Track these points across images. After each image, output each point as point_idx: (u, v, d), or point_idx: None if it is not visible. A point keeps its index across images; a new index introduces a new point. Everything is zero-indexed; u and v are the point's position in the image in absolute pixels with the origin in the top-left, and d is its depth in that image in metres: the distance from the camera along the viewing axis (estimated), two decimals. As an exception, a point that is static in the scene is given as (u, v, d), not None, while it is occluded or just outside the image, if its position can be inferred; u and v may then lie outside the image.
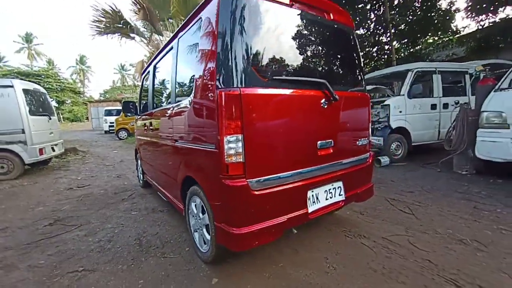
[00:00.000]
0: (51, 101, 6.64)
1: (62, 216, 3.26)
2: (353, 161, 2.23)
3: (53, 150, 6.07)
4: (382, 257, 2.02)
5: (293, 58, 1.85)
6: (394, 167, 4.97)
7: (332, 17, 2.10)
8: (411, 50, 10.64)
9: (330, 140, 2.00)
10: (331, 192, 2.06)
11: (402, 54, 10.47)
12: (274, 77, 1.68)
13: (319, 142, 1.92)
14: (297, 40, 1.89)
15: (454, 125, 4.35)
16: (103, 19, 13.94)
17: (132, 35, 16.76)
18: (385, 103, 5.17)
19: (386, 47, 10.01)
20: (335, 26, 2.14)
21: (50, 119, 6.03)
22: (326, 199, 2.03)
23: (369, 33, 9.37)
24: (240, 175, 1.57)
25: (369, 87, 5.79)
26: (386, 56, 9.82)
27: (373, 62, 10.36)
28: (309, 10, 1.95)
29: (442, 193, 3.38)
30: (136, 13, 15.02)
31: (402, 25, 9.80)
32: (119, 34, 16.19)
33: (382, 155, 5.21)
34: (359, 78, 2.35)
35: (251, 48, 1.60)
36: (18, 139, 5.15)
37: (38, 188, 4.68)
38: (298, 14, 1.89)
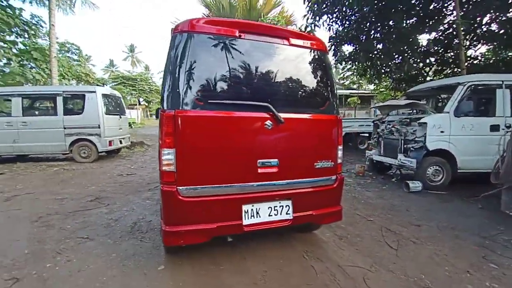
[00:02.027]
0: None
1: (102, 195, 4.21)
2: (308, 182, 2.24)
3: (120, 143, 7.64)
4: (320, 284, 1.99)
5: (237, 83, 2.03)
6: (426, 195, 4.32)
7: (290, 42, 2.17)
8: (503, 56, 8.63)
9: (275, 160, 2.09)
10: (276, 210, 2.14)
11: (490, 61, 8.60)
12: (209, 101, 1.92)
13: (259, 160, 2.05)
14: (244, 67, 2.06)
15: (504, 153, 3.53)
16: None
17: None
18: (422, 120, 4.54)
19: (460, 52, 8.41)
20: (294, 50, 2.21)
21: (120, 117, 7.63)
22: (270, 215, 2.12)
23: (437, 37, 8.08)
24: (172, 182, 1.87)
25: (403, 102, 5.16)
26: (453, 66, 8.27)
27: (439, 71, 8.88)
28: (261, 38, 2.10)
29: (456, 234, 2.86)
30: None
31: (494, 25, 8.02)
32: None
33: (415, 179, 4.59)
34: (325, 100, 2.33)
35: (189, 77, 1.88)
36: (95, 132, 6.74)
37: (100, 171, 6.05)
38: (248, 43, 2.06)
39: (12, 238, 2.69)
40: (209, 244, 2.12)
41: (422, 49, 8.15)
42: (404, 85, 9.17)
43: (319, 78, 2.32)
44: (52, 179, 5.34)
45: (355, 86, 16.04)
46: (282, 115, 2.08)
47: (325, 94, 2.34)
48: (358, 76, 10.00)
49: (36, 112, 7.13)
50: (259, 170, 2.05)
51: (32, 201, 3.92)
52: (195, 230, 1.93)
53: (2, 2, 12.84)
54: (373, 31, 7.66)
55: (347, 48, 8.00)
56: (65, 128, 6.67)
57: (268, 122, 2.04)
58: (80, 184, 4.87)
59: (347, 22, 7.33)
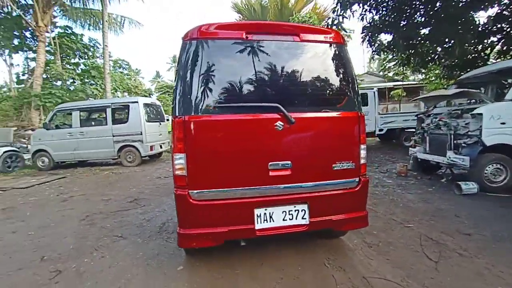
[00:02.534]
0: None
1: (140, 197, 4.57)
2: (325, 185, 2.08)
3: (161, 147, 8.25)
4: (338, 296, 1.83)
5: (246, 85, 1.99)
6: (482, 198, 3.70)
7: (300, 38, 2.05)
8: None
9: (287, 162, 1.99)
10: (291, 214, 2.04)
11: None
12: (218, 105, 1.92)
13: (270, 163, 1.97)
14: (253, 68, 2.01)
15: None
16: None
17: None
18: (476, 111, 3.90)
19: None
20: (306, 46, 2.08)
21: (160, 124, 8.24)
22: (284, 219, 2.03)
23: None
24: (184, 186, 1.92)
25: (451, 91, 4.49)
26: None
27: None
28: (269, 37, 2.02)
29: (518, 246, 2.37)
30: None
31: None
32: None
33: (469, 180, 3.97)
34: (343, 97, 2.14)
35: (197, 82, 1.91)
36: (138, 139, 7.39)
37: (141, 174, 6.59)
38: (256, 44, 2.00)
39: (62, 235, 3.07)
40: (227, 247, 2.15)
41: (479, 29, 7.04)
42: (458, 72, 8.04)
43: (335, 73, 2.15)
44: (103, 182, 6.00)
45: (399, 77, 14.64)
46: (294, 115, 1.97)
47: (343, 89, 2.16)
48: (401, 66, 9.07)
49: (91, 123, 8.11)
50: (271, 173, 1.98)
51: (84, 201, 4.45)
52: (207, 234, 1.94)
53: (67, 30, 15.01)
54: (415, 15, 6.89)
55: (385, 37, 7.35)
56: (113, 136, 7.45)
57: (279, 123, 1.95)
58: (124, 187, 5.38)
59: (383, 9, 6.72)
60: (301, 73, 2.09)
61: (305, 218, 2.05)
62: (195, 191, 1.92)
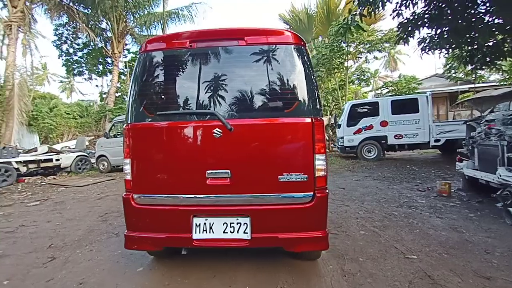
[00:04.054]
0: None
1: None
2: (269, 198, 1.90)
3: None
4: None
5: (187, 93, 2.01)
6: (544, 233, 2.74)
7: (247, 42, 1.97)
8: None
9: (226, 171, 1.90)
10: (232, 226, 1.93)
11: None
12: (158, 112, 1.99)
13: (208, 171, 1.91)
14: (195, 76, 2.02)
15: None
16: None
17: None
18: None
19: None
20: (253, 49, 1.98)
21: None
22: (225, 232, 1.93)
23: None
24: (129, 189, 2.03)
25: (501, 90, 3.49)
26: None
27: None
28: (213, 44, 2.01)
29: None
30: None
31: None
32: None
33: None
34: (293, 101, 1.93)
35: (142, 92, 2.04)
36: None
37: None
38: (199, 52, 2.02)
39: (78, 227, 3.57)
40: (195, 252, 2.13)
41: None
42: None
43: (285, 76, 1.96)
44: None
45: (472, 78, 12.22)
46: (234, 122, 1.89)
47: (293, 94, 1.95)
48: (463, 64, 7.58)
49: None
50: (208, 182, 1.92)
51: (112, 200, 5.08)
52: (147, 238, 1.99)
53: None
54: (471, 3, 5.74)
55: (428, 32, 6.27)
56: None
57: (217, 130, 1.89)
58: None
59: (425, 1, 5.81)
60: (246, 78, 2.00)
61: (247, 233, 1.90)
62: (137, 195, 2.00)
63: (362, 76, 16.24)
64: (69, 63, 16.19)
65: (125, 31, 14.74)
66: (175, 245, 2.02)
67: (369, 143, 9.14)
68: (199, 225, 1.94)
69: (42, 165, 7.81)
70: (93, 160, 9.38)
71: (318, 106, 1.99)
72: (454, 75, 12.60)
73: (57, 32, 15.46)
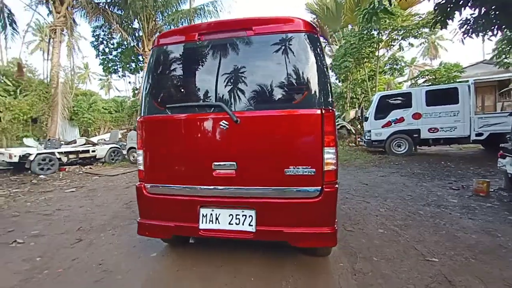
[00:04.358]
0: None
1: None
2: (275, 191, 1.86)
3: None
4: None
5: (196, 86, 2.04)
6: None
7: (254, 32, 1.91)
8: None
9: (232, 163, 1.89)
10: (238, 218, 1.93)
11: None
12: (167, 105, 2.03)
13: (215, 163, 1.92)
14: (203, 68, 2.03)
15: None
16: None
17: None
18: None
19: None
20: (261, 39, 1.92)
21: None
22: (230, 223, 1.94)
23: None
24: (142, 179, 2.13)
25: None
26: None
27: None
28: (221, 36, 1.98)
29: None
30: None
31: None
32: None
33: None
34: (301, 92, 1.84)
35: (153, 86, 2.10)
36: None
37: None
38: (208, 44, 2.01)
39: (105, 213, 3.85)
40: (205, 242, 2.19)
41: None
42: None
43: (294, 66, 1.88)
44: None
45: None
46: (241, 114, 1.87)
47: (302, 84, 1.86)
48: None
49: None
50: (215, 173, 1.93)
51: (138, 190, 5.39)
52: (157, 226, 2.08)
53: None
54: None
55: (469, 13, 5.57)
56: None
57: (223, 122, 1.89)
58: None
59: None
60: (254, 69, 1.95)
61: (252, 225, 1.89)
62: (149, 185, 2.09)
63: (395, 66, 15.11)
64: (105, 62, 17.35)
65: (155, 29, 15.34)
66: (183, 233, 2.08)
67: (399, 137, 8.55)
68: (206, 215, 1.97)
69: (80, 155, 8.55)
70: (124, 152, 10.04)
71: (329, 97, 1.89)
72: (505, 60, 11.15)
73: (95, 34, 16.60)
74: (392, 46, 15.06)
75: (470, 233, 2.66)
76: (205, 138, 1.97)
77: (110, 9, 15.01)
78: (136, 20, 15.69)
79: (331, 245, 1.89)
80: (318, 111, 1.80)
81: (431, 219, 3.10)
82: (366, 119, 9.22)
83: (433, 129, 8.17)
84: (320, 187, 1.81)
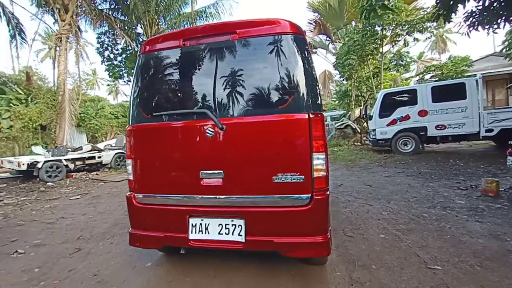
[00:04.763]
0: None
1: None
2: (264, 200, 1.81)
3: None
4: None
5: (181, 93, 2.00)
6: None
7: (239, 36, 1.87)
8: None
9: (219, 171, 1.86)
10: (227, 228, 1.89)
11: None
12: (154, 113, 2.01)
13: (202, 171, 1.89)
14: (188, 75, 2.00)
15: None
16: None
17: (314, 50, 18.94)
18: None
19: None
20: (246, 43, 1.87)
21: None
22: (220, 233, 1.90)
23: None
24: (131, 189, 2.11)
25: None
26: None
27: None
28: (205, 41, 1.95)
29: None
30: (311, 31, 16.88)
31: None
32: None
33: None
34: (288, 96, 1.79)
35: (139, 93, 2.08)
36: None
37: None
38: (192, 50, 1.98)
39: (106, 221, 3.87)
40: (202, 251, 2.15)
41: None
42: None
43: (281, 69, 1.82)
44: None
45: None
46: (226, 121, 1.83)
47: (289, 88, 1.80)
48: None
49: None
50: (202, 182, 1.90)
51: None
52: (148, 236, 2.05)
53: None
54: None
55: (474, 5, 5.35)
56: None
57: (209, 130, 1.85)
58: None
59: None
60: (239, 73, 1.90)
61: (241, 235, 1.84)
62: (138, 195, 2.07)
63: (400, 62, 14.78)
64: (111, 68, 17.59)
65: (158, 34, 15.49)
66: (173, 244, 2.05)
67: (405, 135, 8.34)
68: (195, 225, 1.93)
69: (87, 162, 8.69)
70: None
71: (317, 101, 1.83)
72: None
73: (99, 40, 16.86)
74: (397, 42, 14.76)
75: (477, 238, 2.54)
76: (191, 146, 1.94)
77: (114, 15, 15.25)
78: (139, 25, 15.91)
79: (323, 254, 1.82)
80: (305, 116, 1.74)
81: (435, 223, 2.98)
82: (371, 117, 9.04)
83: (440, 126, 7.94)
84: (310, 195, 1.75)
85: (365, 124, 13.27)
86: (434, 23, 11.84)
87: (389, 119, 8.52)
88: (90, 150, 9.29)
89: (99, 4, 15.08)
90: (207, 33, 1.97)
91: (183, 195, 1.95)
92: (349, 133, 12.04)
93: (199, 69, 1.98)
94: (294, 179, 1.76)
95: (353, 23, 16.91)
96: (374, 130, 8.83)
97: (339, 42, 17.43)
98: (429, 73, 14.69)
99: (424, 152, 8.60)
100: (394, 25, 12.59)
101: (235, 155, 1.86)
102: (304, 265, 2.24)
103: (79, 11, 13.68)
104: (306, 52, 1.86)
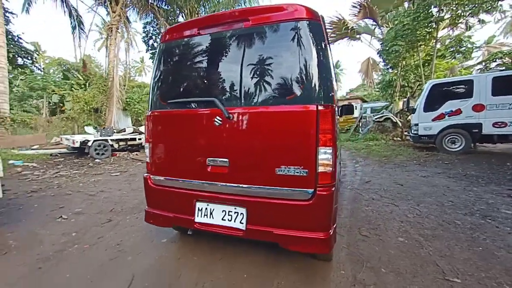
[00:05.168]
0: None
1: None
2: (265, 190, 1.80)
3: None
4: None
5: (195, 81, 2.05)
6: None
7: (252, 23, 1.82)
8: None
9: (224, 159, 1.89)
10: (230, 215, 1.94)
11: None
12: (169, 101, 2.10)
13: (209, 158, 1.94)
14: (201, 63, 2.03)
15: None
16: (330, 30, 16.35)
17: (357, 36, 17.77)
18: None
19: None
20: (258, 30, 1.82)
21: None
22: (223, 219, 1.96)
23: None
24: (148, 170, 2.27)
25: None
26: None
27: None
28: (219, 29, 1.94)
29: None
30: (355, 15, 15.72)
31: None
32: (347, 38, 17.99)
33: None
34: (296, 87, 1.71)
35: (157, 81, 2.18)
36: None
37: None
38: (207, 38, 1.99)
39: (136, 197, 4.25)
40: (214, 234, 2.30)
41: None
42: None
43: (292, 58, 1.75)
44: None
45: None
46: (233, 110, 1.85)
47: (298, 78, 1.73)
48: None
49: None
50: (209, 169, 1.96)
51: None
52: (160, 215, 2.21)
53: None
54: None
55: None
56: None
57: (217, 118, 1.89)
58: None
59: None
60: (251, 62, 1.88)
61: (243, 223, 1.88)
62: (153, 176, 2.22)
63: (459, 48, 12.95)
64: (155, 56, 18.75)
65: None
66: (180, 224, 2.18)
67: (454, 132, 7.42)
68: (201, 209, 2.02)
69: (129, 143, 9.55)
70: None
71: (330, 92, 1.72)
72: None
73: (145, 30, 17.96)
74: (457, 25, 12.90)
75: (516, 253, 2.21)
76: (201, 133, 1.99)
77: (157, 5, 16.02)
78: (181, 14, 16.49)
79: (323, 252, 1.77)
80: (313, 107, 1.66)
81: (468, 232, 2.66)
82: (413, 110, 8.21)
83: (499, 123, 6.87)
84: (312, 189, 1.70)
85: (409, 116, 12.14)
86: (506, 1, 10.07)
87: (436, 113, 7.64)
88: (132, 132, 10.16)
89: (146, -6, 15.94)
90: (221, 21, 1.96)
91: (191, 180, 2.04)
92: (388, 126, 11.14)
93: (212, 58, 2.00)
94: (297, 172, 1.71)
95: (406, 4, 15.21)
96: (416, 124, 8.02)
97: (387, 27, 15.91)
98: (495, 61, 12.68)
99: (476, 152, 7.59)
100: (455, 5, 10.99)
101: (240, 145, 1.87)
102: (309, 259, 2.20)
103: (127, 2, 14.64)
104: (321, 40, 1.74)
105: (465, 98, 7.29)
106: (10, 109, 11.23)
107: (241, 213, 1.88)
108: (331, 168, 1.69)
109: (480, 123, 7.09)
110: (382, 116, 11.57)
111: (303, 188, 1.71)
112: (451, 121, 7.43)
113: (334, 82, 1.84)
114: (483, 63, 13.91)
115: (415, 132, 8.12)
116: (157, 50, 2.24)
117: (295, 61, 1.73)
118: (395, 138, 10.67)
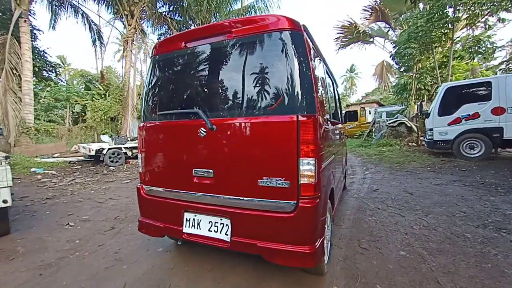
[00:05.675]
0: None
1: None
2: (248, 202, 1.78)
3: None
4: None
5: (181, 93, 2.09)
6: None
7: (233, 35, 1.84)
8: None
9: (209, 170, 1.90)
10: (216, 226, 1.94)
11: None
12: (157, 112, 2.15)
13: (194, 169, 1.96)
14: (186, 76, 2.07)
15: None
16: (342, 34, 16.21)
17: (370, 39, 17.50)
18: None
19: None
20: (241, 41, 1.84)
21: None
22: (209, 230, 1.96)
23: None
24: (141, 180, 2.32)
25: None
26: None
27: None
28: (203, 42, 1.98)
29: None
30: (367, 18, 15.51)
31: None
32: (360, 42, 17.75)
33: None
34: (276, 97, 1.70)
35: (148, 93, 2.25)
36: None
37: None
38: (192, 51, 2.04)
39: (141, 205, 4.35)
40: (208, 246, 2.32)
41: None
42: None
43: (273, 69, 1.75)
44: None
45: None
46: (217, 121, 1.86)
47: (278, 88, 1.71)
48: None
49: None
50: (195, 180, 1.97)
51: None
52: (152, 225, 2.24)
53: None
54: None
55: None
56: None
57: (202, 129, 1.91)
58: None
59: None
60: (234, 73, 1.90)
61: (228, 235, 1.87)
62: (145, 186, 2.27)
63: (478, 48, 12.34)
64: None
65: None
66: (170, 234, 2.20)
67: (472, 137, 7.01)
68: (189, 220, 2.03)
69: (142, 150, 9.85)
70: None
71: (311, 101, 1.69)
72: None
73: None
74: (475, 25, 12.33)
75: (530, 272, 2.03)
76: (187, 144, 2.02)
77: (170, 16, 16.66)
78: (193, 24, 17.03)
79: (309, 266, 1.71)
80: (293, 118, 1.63)
81: (478, 246, 2.47)
82: (428, 115, 7.87)
83: (523, 127, 6.42)
84: (295, 201, 1.66)
85: (425, 120, 11.64)
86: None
87: (452, 117, 7.27)
88: (145, 140, 10.49)
89: (160, 7, 16.63)
90: (205, 34, 2.00)
91: (179, 190, 2.06)
92: (402, 131, 10.72)
93: (196, 70, 2.04)
94: (279, 184, 1.68)
95: (421, 6, 14.79)
96: (431, 129, 7.68)
97: (400, 29, 15.49)
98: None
99: (498, 158, 7.11)
100: (471, 4, 10.53)
101: (224, 156, 1.87)
102: (301, 273, 2.14)
103: (142, 16, 15.34)
104: (303, 50, 1.73)
105: (483, 101, 6.90)
106: (37, 118, 12.02)
107: (226, 225, 1.87)
108: (314, 180, 1.64)
109: (501, 127, 6.66)
110: (396, 121, 11.17)
111: (285, 200, 1.68)
112: (469, 125, 7.04)
113: (318, 92, 1.81)
114: (505, 63, 13.12)
115: (430, 137, 7.77)
116: (150, 63, 2.31)
117: (277, 71, 1.73)
118: (410, 144, 10.24)
